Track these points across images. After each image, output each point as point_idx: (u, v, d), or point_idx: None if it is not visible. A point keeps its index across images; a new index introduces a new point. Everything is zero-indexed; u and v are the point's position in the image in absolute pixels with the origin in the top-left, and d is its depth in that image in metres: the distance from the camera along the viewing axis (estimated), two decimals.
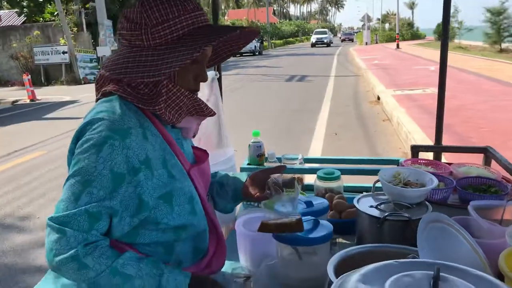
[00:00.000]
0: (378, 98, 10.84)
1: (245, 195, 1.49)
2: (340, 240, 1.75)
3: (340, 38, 69.06)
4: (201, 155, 1.41)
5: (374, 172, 2.10)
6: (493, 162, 2.08)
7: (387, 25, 70.60)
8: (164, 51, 1.13)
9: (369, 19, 51.14)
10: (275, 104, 9.91)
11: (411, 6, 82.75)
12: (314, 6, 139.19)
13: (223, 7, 74.23)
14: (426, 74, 14.93)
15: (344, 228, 1.73)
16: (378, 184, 1.67)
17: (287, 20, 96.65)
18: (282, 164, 1.64)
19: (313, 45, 50.93)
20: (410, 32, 55.80)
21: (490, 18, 24.06)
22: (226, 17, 67.20)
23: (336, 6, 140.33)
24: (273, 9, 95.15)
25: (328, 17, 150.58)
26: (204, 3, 50.19)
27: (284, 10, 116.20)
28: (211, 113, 1.28)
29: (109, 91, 1.19)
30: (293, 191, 1.39)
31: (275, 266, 1.46)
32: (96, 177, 1.06)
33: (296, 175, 2.04)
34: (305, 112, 9.73)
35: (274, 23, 68.45)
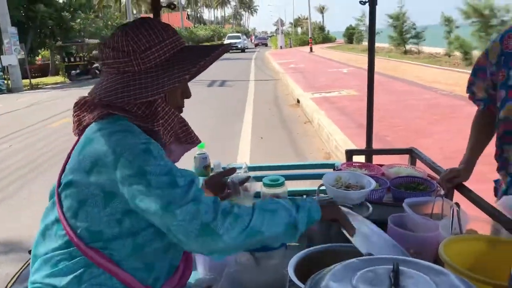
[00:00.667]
0: (298, 101, 11.26)
1: None
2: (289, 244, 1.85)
3: (253, 42, 65.47)
4: None
5: (314, 177, 2.25)
6: (418, 162, 2.31)
7: (299, 29, 73.23)
8: (157, 73, 1.19)
9: (282, 23, 52.50)
10: (198, 110, 9.92)
11: (321, 11, 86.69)
12: (228, 11, 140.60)
13: (134, 12, 72.32)
14: (340, 76, 15.74)
15: None
16: (322, 187, 1.80)
17: (202, 24, 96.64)
18: (232, 167, 1.75)
19: None
20: (322, 36, 58.33)
21: (392, 23, 25.92)
22: None
23: (250, 11, 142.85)
24: (187, 14, 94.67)
25: (242, 22, 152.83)
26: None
27: (198, 15, 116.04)
28: (198, 141, 1.42)
29: (107, 112, 1.22)
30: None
31: (235, 273, 1.53)
32: (168, 167, 1.14)
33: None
34: (229, 117, 9.85)
35: (189, 28, 68.07)
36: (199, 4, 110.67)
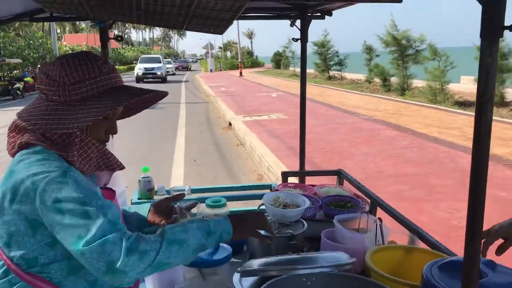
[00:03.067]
0: (230, 124, 11.48)
1: (151, 223, 1.68)
2: (232, 259, 1.99)
3: (175, 67, 53.88)
4: (108, 195, 1.52)
5: (254, 197, 2.42)
6: (345, 182, 2.56)
7: (229, 53, 74.22)
8: (79, 107, 1.25)
9: (212, 47, 52.80)
10: (130, 134, 9.81)
11: (250, 36, 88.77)
12: (157, 33, 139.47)
13: (58, 31, 69.58)
14: (269, 100, 16.25)
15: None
16: (262, 207, 1.97)
17: (130, 46, 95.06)
18: (179, 193, 1.83)
19: (139, 79, 31.12)
20: (251, 60, 59.66)
21: (317, 50, 27.17)
22: (63, 42, 63.02)
23: (179, 33, 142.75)
24: (114, 34, 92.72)
25: (171, 44, 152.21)
26: (38, 27, 46.69)
27: (126, 36, 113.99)
28: (120, 166, 1.42)
29: (26, 142, 1.26)
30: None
31: None
32: (83, 195, 1.17)
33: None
34: (162, 141, 9.83)
35: (117, 49, 66.72)
36: (126, 25, 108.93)
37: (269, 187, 2.45)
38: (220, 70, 49.26)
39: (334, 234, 1.86)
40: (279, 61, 46.20)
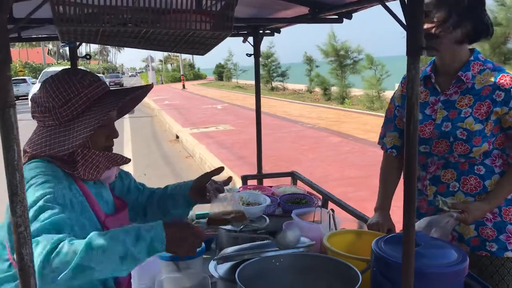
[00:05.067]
0: (177, 137, 11.54)
1: (194, 199, 1.80)
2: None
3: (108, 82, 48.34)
4: (120, 205, 1.65)
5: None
6: (298, 182, 2.83)
7: (169, 66, 73.56)
8: (73, 125, 1.36)
9: (152, 59, 52.06)
10: None
11: None
12: (94, 47, 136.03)
13: None
14: (215, 112, 16.44)
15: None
16: None
17: (66, 60, 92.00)
18: (219, 166, 1.88)
19: None
20: (193, 73, 59.39)
21: (261, 62, 27.64)
22: None
23: (116, 47, 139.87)
24: (49, 49, 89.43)
25: (109, 58, 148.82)
26: None
27: (61, 50, 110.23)
28: (126, 161, 1.54)
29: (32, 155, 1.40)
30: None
31: (164, 281, 1.81)
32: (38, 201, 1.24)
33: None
34: None
35: (52, 64, 64.30)
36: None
37: (230, 191, 2.66)
38: (162, 83, 48.68)
39: (293, 225, 2.09)
40: (221, 73, 46.41)
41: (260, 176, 2.92)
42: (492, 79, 1.76)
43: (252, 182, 2.88)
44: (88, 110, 1.40)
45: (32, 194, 1.25)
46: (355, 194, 5.74)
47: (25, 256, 0.80)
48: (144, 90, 1.55)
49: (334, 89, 19.83)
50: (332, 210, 2.08)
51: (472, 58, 1.81)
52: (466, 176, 1.83)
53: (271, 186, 2.68)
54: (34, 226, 1.17)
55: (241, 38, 2.69)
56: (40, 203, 1.22)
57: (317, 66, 23.47)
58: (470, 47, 1.85)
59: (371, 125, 11.67)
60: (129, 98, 1.50)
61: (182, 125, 13.05)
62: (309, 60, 23.67)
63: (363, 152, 8.30)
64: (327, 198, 2.45)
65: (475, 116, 1.76)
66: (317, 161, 7.63)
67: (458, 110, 1.80)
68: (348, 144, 8.97)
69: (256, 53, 2.74)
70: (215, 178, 1.82)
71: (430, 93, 1.90)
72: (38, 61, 58.01)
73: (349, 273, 1.42)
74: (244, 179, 2.80)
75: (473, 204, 1.76)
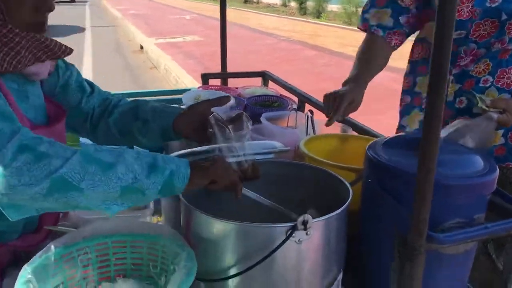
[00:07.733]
0: (141, 47, 10.80)
1: (181, 132, 1.18)
2: None
3: None
4: (55, 112, 1.13)
5: (173, 101, 2.18)
6: (270, 83, 2.41)
7: None
8: None
9: None
10: None
11: None
12: None
13: None
14: (183, 23, 15.48)
15: None
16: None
17: None
18: (224, 95, 1.34)
19: None
20: None
21: None
22: None
23: None
24: None
25: None
26: None
27: None
28: (65, 52, 1.06)
29: None
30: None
31: None
32: None
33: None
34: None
35: None
36: None
37: (188, 90, 2.23)
38: None
39: (261, 131, 1.70)
40: None
41: (224, 74, 2.45)
42: None
43: (215, 83, 2.41)
44: None
45: None
46: None
47: None
48: None
49: (309, 3, 18.95)
50: (311, 111, 1.69)
51: None
52: (505, 68, 1.42)
53: (237, 88, 2.24)
54: None
55: None
56: None
57: None
58: None
59: (348, 39, 11.13)
60: None
61: (147, 35, 12.19)
62: None
63: (340, 65, 7.89)
64: (304, 99, 2.06)
65: None
66: (292, 74, 7.14)
67: None
68: (324, 57, 8.52)
69: None
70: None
71: None
72: None
73: (333, 182, 1.07)
74: (205, 77, 2.32)
75: None
